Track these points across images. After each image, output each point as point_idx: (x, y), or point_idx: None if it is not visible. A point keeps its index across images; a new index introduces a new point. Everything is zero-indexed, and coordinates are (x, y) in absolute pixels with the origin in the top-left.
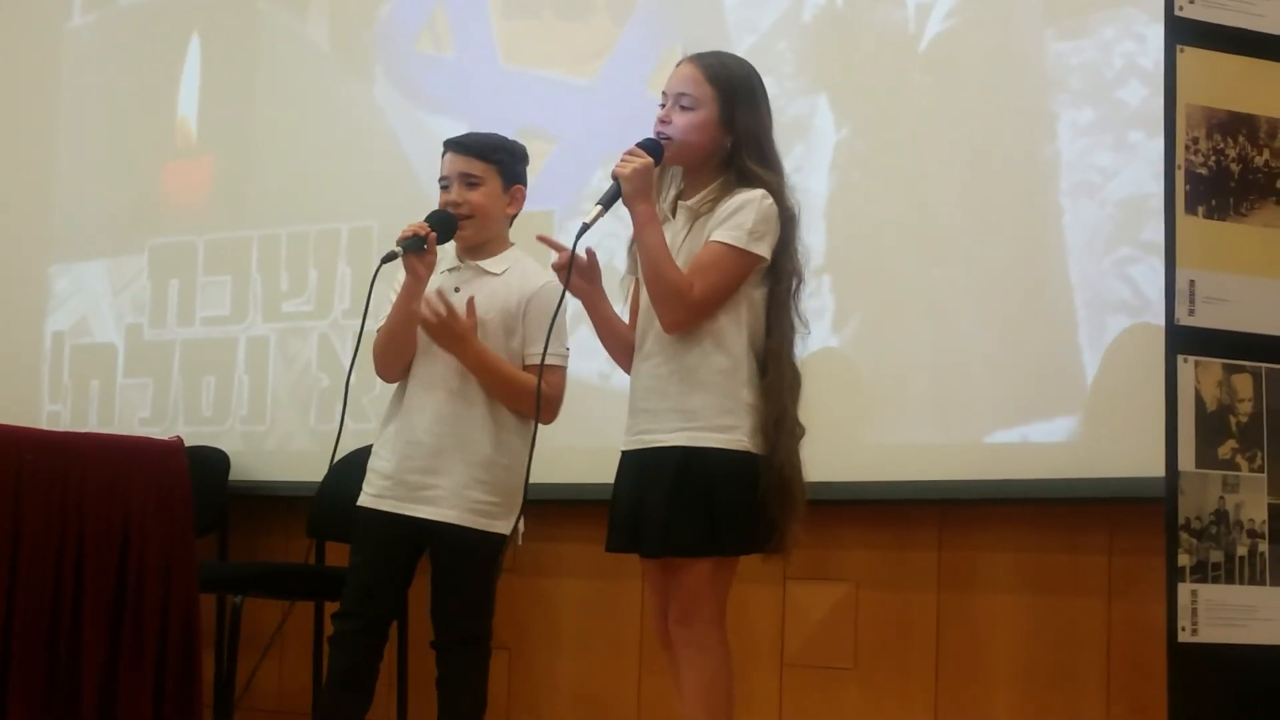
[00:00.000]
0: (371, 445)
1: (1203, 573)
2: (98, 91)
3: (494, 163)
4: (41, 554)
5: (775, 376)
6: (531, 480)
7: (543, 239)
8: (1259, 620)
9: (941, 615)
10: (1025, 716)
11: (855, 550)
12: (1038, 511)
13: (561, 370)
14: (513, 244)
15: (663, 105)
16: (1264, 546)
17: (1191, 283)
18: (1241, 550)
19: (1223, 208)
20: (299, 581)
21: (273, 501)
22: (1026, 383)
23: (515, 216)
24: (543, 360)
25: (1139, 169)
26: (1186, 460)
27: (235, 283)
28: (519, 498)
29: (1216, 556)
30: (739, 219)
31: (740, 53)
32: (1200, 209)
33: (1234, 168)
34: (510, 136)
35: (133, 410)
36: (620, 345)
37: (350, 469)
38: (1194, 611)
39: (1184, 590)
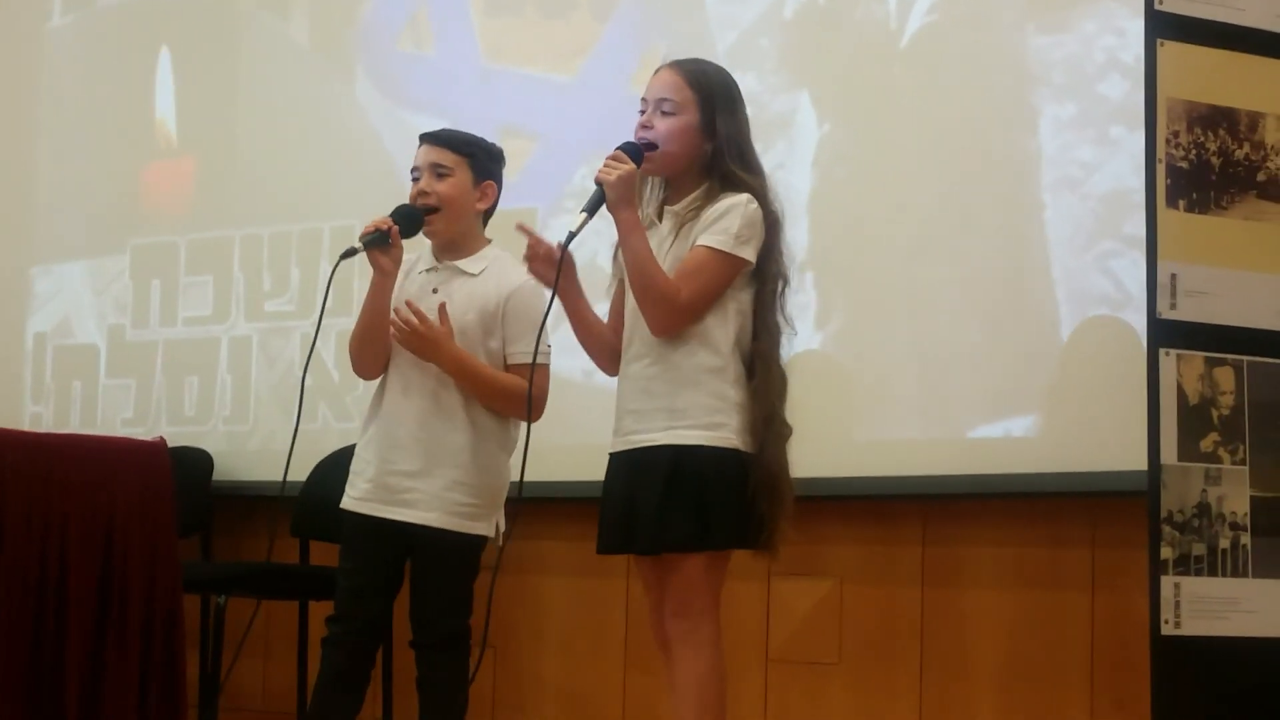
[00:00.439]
0: (354, 444)
1: (1185, 565)
2: (78, 92)
3: (465, 155)
4: (24, 555)
5: (764, 378)
6: (513, 479)
7: (521, 227)
8: (1241, 613)
9: (926, 610)
10: (1010, 710)
11: (840, 546)
12: (1021, 506)
13: (545, 369)
14: (489, 241)
15: (642, 111)
16: (1246, 539)
17: (1173, 276)
18: (1224, 543)
19: (1204, 201)
20: (283, 581)
21: (256, 501)
22: (1009, 377)
23: (488, 214)
24: (534, 359)
25: (1120, 163)
26: (1169, 453)
27: (217, 283)
28: (499, 498)
29: (1199, 549)
30: (724, 223)
31: (722, 50)
32: (1181, 202)
33: (1215, 161)
34: (492, 134)
35: (115, 411)
36: (598, 345)
37: (334, 468)
38: (1177, 604)
39: (1167, 583)
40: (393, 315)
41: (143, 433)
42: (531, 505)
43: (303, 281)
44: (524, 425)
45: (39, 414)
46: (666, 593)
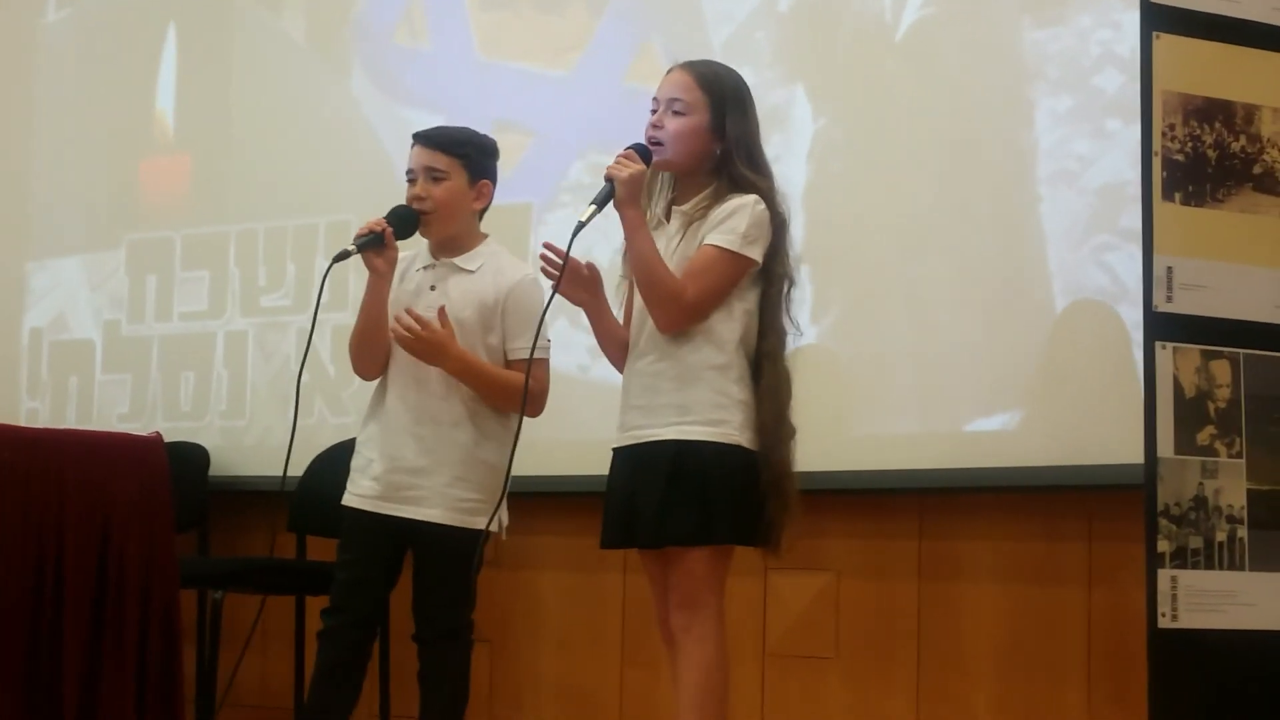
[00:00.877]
0: (352, 439)
1: (1182, 559)
2: (73, 87)
3: (459, 157)
4: (21, 551)
5: (772, 378)
6: (512, 473)
7: (547, 249)
8: (1238, 605)
9: (923, 604)
10: (1006, 704)
11: (836, 540)
12: (1018, 499)
13: (545, 363)
14: (486, 236)
15: (654, 111)
16: (1243, 532)
17: (1169, 269)
18: (1221, 536)
19: (1200, 194)
20: (280, 576)
21: (253, 496)
22: (1005, 371)
23: (484, 211)
24: (532, 354)
25: (1116, 156)
26: (1165, 447)
27: (213, 278)
28: (500, 493)
29: (1196, 542)
30: (732, 223)
31: (717, 43)
32: (1177, 195)
33: (1211, 154)
34: (487, 129)
35: (111, 406)
36: (620, 349)
37: (331, 463)
38: (1174, 597)
39: (1164, 576)
40: (393, 323)
41: (139, 428)
42: (529, 500)
43: (298, 276)
44: (526, 421)
45: (35, 409)
46: (670, 586)
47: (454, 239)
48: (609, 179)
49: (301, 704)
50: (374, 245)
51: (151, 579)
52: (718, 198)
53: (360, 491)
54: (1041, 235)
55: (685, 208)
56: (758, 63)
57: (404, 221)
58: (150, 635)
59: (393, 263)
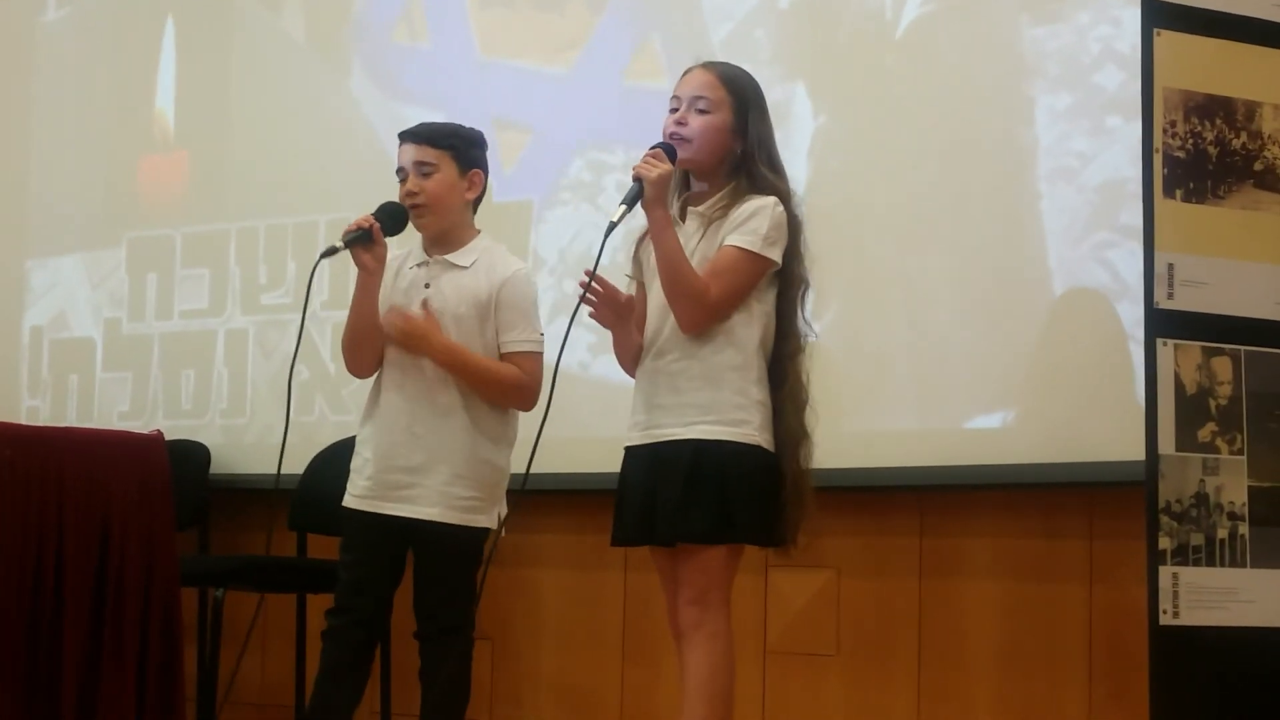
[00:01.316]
0: (351, 437)
1: (1183, 556)
2: (72, 85)
3: (447, 148)
4: (21, 549)
5: (794, 382)
6: (512, 470)
7: (592, 275)
8: (1240, 602)
9: (923, 601)
10: (1007, 701)
11: (837, 537)
12: (1018, 496)
13: (538, 356)
14: (479, 231)
15: (674, 110)
16: (1244, 529)
17: (1170, 266)
18: (1222, 533)
19: (1201, 191)
20: (281, 574)
21: (253, 495)
22: (1005, 368)
23: (478, 202)
24: (560, 354)
25: (1117, 153)
26: (1166, 444)
27: (213, 276)
28: (499, 490)
29: (1197, 539)
30: (753, 224)
31: (717, 41)
32: (1178, 192)
33: (1211, 151)
34: (487, 127)
35: (112, 404)
36: (632, 353)
37: (331, 461)
38: (1175, 594)
39: (1165, 573)
40: (383, 320)
41: (139, 426)
42: (529, 498)
43: (299, 274)
44: (522, 416)
45: (36, 407)
46: (681, 582)
47: (447, 234)
48: (638, 178)
49: (302, 702)
50: (362, 241)
51: (152, 577)
52: (736, 197)
53: (358, 492)
54: (1041, 232)
55: (702, 208)
56: (757, 60)
57: (393, 218)
58: (151, 633)
59: (382, 259)
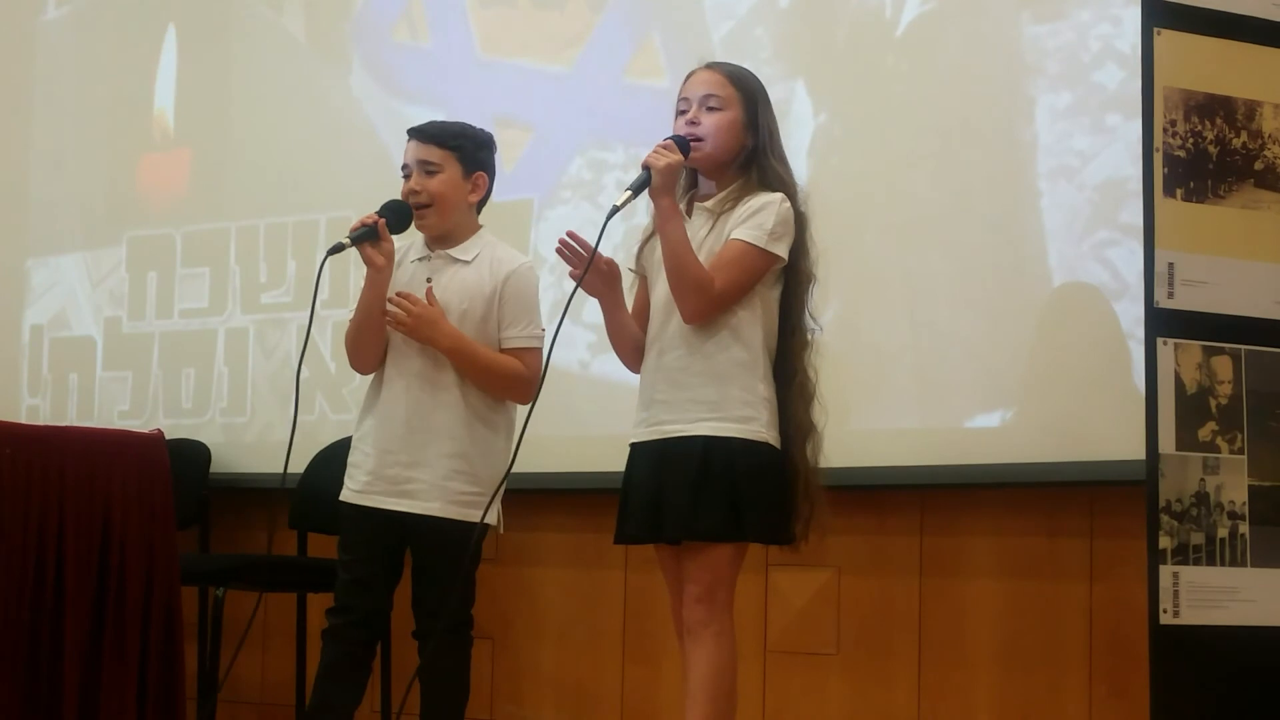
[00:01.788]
0: (351, 436)
1: (1184, 555)
2: (73, 84)
3: (452, 149)
4: (21, 548)
5: (802, 377)
6: (513, 470)
7: (570, 237)
8: (1240, 601)
9: (924, 600)
10: (1007, 700)
11: (837, 536)
12: (1019, 495)
13: (538, 352)
14: (481, 226)
15: (682, 111)
16: (1244, 528)
17: (1170, 265)
18: (1222, 532)
19: (1201, 190)
20: (281, 573)
21: (254, 494)
22: (1005, 367)
23: (482, 204)
24: (550, 350)
25: (1117, 152)
26: (1167, 443)
27: (214, 274)
28: (497, 486)
29: (1197, 538)
30: (759, 219)
31: (717, 38)
32: (1179, 191)
33: (1212, 150)
34: (487, 125)
35: (112, 403)
36: (631, 345)
37: (332, 460)
38: (1175, 593)
39: (1165, 572)
40: (389, 307)
41: (140, 425)
42: (529, 496)
43: (299, 273)
44: (521, 412)
45: (36, 406)
46: (687, 580)
47: (450, 231)
48: (646, 167)
49: (303, 701)
50: (368, 238)
51: (153, 576)
52: (745, 192)
53: (356, 486)
54: (1041, 231)
55: (710, 204)
56: (757, 58)
57: (398, 215)
58: (151, 632)
59: (390, 256)
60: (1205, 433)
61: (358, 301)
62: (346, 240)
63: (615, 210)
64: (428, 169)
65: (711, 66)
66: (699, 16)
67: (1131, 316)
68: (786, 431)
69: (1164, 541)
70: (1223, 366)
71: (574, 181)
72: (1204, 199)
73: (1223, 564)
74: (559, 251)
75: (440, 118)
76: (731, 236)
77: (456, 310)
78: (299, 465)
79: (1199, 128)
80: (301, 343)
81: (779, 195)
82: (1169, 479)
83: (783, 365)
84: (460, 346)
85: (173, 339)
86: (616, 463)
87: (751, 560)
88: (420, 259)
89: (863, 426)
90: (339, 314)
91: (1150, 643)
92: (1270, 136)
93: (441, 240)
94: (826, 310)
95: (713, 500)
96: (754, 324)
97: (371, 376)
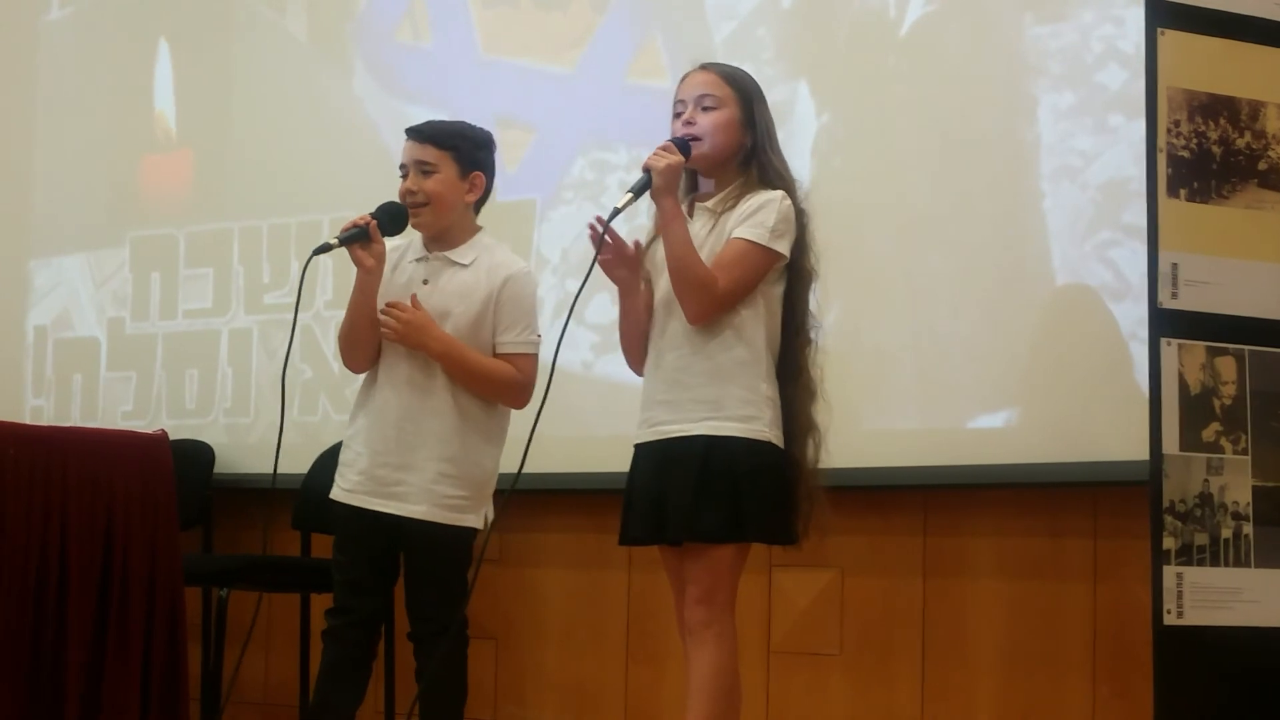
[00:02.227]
0: None
1: (1187, 555)
2: (75, 85)
3: (449, 149)
4: (25, 548)
5: (806, 375)
6: (512, 470)
7: (600, 221)
8: (1244, 602)
9: (927, 601)
10: (1011, 700)
11: (840, 537)
12: (1022, 496)
13: (533, 358)
14: (480, 229)
15: (679, 113)
16: (1248, 529)
17: (1174, 266)
18: (1226, 533)
19: (1205, 190)
20: (284, 574)
21: (257, 494)
22: (1008, 367)
23: (480, 204)
24: (558, 346)
25: (1120, 152)
26: (1170, 443)
27: (217, 275)
28: (487, 490)
29: (1201, 539)
30: (760, 217)
31: (719, 39)
32: (1182, 192)
33: (1215, 150)
34: (490, 126)
35: (116, 404)
36: (640, 339)
37: (334, 461)
38: (1179, 594)
39: (1169, 573)
40: (381, 316)
41: (143, 426)
42: (531, 497)
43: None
44: (515, 417)
45: (40, 407)
46: (689, 580)
47: (447, 232)
48: (647, 169)
49: (306, 701)
50: (358, 239)
51: (156, 576)
52: (746, 190)
53: (348, 486)
54: (1044, 231)
55: (711, 204)
56: (760, 59)
57: (392, 217)
58: (154, 633)
59: (380, 257)
60: (1209, 433)
61: (349, 303)
62: (334, 241)
63: (616, 212)
64: (424, 169)
65: (706, 67)
66: (701, 17)
67: (1135, 317)
68: (790, 430)
69: (1168, 542)
70: (1226, 367)
71: (576, 182)
72: (1208, 199)
73: (1226, 565)
74: (591, 237)
75: (443, 118)
76: (733, 235)
77: (453, 314)
78: (302, 466)
79: (1203, 128)
80: (304, 343)
81: (779, 193)
82: (1173, 479)
83: (786, 363)
84: (450, 351)
85: (176, 340)
86: (620, 463)
87: (755, 561)
88: (418, 259)
89: (866, 427)
90: (341, 314)
91: (1154, 643)
92: (1274, 137)
93: (439, 241)
94: (830, 311)
95: (714, 501)
96: (757, 322)
97: (365, 375)
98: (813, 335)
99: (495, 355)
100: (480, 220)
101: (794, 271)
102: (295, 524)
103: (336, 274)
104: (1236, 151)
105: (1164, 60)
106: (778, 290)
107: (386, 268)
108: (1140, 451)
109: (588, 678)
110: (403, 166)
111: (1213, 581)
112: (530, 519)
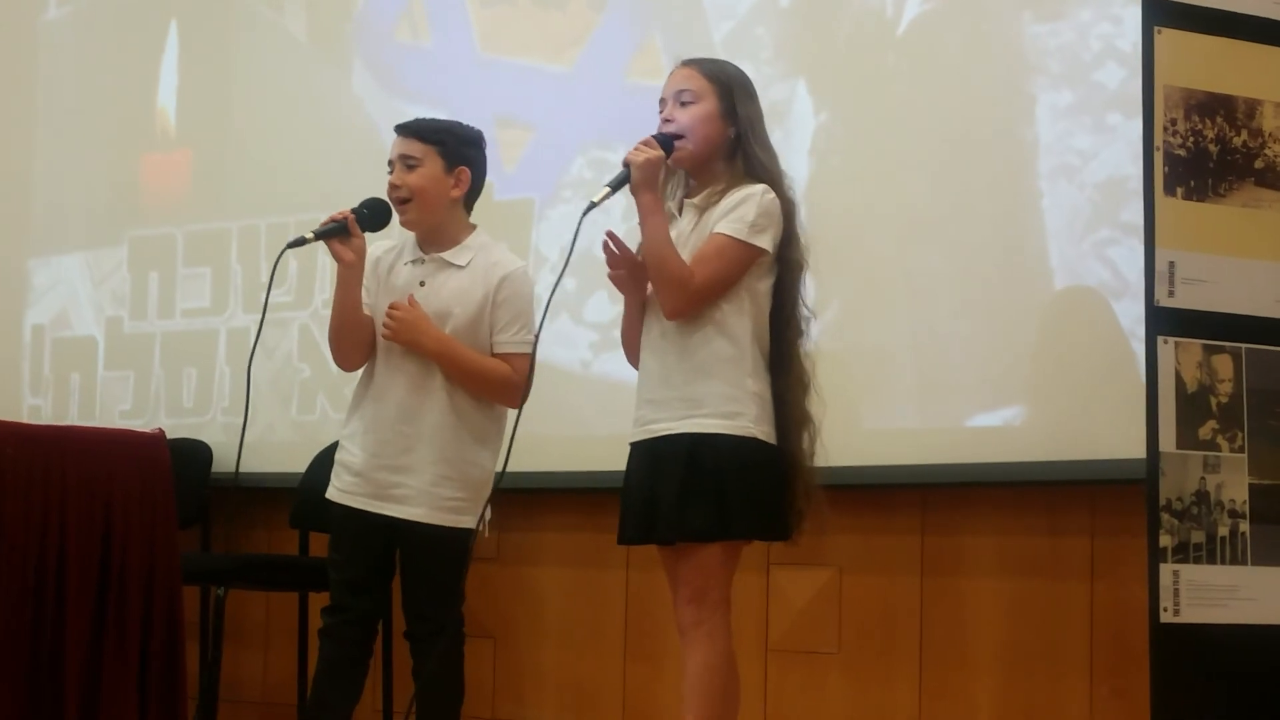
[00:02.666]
0: None
1: (1184, 553)
2: (74, 84)
3: (434, 144)
4: (23, 547)
5: (797, 367)
6: (511, 469)
7: (612, 236)
8: (1241, 600)
9: (925, 599)
10: (1009, 699)
11: (838, 535)
12: (1020, 494)
13: (529, 357)
14: (474, 227)
15: (661, 111)
16: (1245, 526)
17: (1171, 264)
18: (1223, 530)
19: (1201, 189)
20: (282, 572)
21: (255, 493)
22: (1007, 366)
23: (471, 201)
24: (536, 340)
25: (1118, 151)
26: (1167, 441)
27: (215, 274)
28: (484, 491)
29: (1198, 537)
30: (740, 212)
31: (718, 38)
32: (1179, 190)
33: (1212, 149)
34: (488, 125)
35: (114, 403)
36: (639, 338)
37: (333, 460)
38: (1176, 592)
39: (1166, 571)
40: (383, 319)
41: (141, 425)
42: (529, 496)
43: (300, 272)
44: (510, 416)
45: (38, 406)
46: (680, 580)
47: (438, 230)
48: (626, 164)
49: (304, 700)
50: (336, 234)
51: (154, 575)
52: (731, 184)
53: (344, 487)
54: (1042, 230)
55: (697, 200)
56: (758, 58)
57: (374, 212)
58: (153, 631)
59: (360, 251)
60: (1206, 431)
61: (333, 300)
62: (309, 235)
63: (592, 206)
64: (408, 163)
65: (685, 63)
66: (700, 16)
67: (1132, 315)
68: (783, 423)
69: (1164, 540)
70: (1223, 365)
71: (575, 181)
72: (1204, 198)
73: (1223, 562)
74: (605, 249)
75: (442, 117)
76: (713, 230)
77: (450, 314)
78: (301, 465)
79: (1199, 126)
80: (304, 342)
81: (761, 186)
82: (1169, 477)
83: (778, 357)
84: (445, 350)
85: (174, 339)
86: (618, 462)
87: (753, 559)
88: (413, 261)
89: (864, 426)
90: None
91: (1151, 641)
92: (1271, 135)
93: (433, 242)
94: (827, 309)
95: (699, 500)
96: (740, 318)
97: (360, 375)
98: (804, 327)
99: (492, 354)
100: (478, 219)
101: (782, 264)
102: (293, 523)
103: (334, 273)
104: (1233, 150)
105: (1161, 59)
106: (765, 285)
107: (381, 272)
108: (1138, 449)
109: (586, 676)
110: (390, 162)
111: (1209, 579)
112: (528, 518)
